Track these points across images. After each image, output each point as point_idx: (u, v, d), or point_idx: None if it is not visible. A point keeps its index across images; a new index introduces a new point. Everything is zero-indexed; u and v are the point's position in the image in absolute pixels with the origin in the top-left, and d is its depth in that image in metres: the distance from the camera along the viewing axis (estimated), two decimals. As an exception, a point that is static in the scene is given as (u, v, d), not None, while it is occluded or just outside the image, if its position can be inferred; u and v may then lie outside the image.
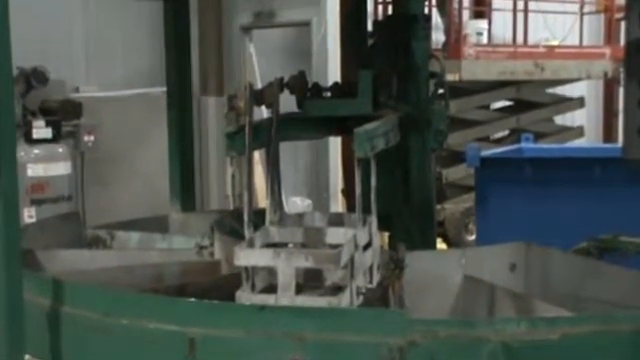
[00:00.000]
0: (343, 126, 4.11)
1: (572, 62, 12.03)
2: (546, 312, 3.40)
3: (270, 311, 3.02)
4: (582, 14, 13.01)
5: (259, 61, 11.40)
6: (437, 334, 3.00)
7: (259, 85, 11.11)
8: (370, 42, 5.03)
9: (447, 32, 11.44)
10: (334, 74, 9.41)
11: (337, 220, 3.67)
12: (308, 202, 11.32)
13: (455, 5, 11.44)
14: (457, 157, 10.55)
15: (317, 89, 4.29)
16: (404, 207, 4.79)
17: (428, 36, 4.91)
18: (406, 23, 4.84)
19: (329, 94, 4.36)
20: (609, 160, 5.16)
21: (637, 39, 3.95)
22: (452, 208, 10.92)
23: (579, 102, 12.68)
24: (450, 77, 11.01)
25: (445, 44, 11.48)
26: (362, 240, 3.39)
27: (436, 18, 11.62)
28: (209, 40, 10.36)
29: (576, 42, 12.80)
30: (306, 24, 10.79)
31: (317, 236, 3.50)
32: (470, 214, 10.25)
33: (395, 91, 4.64)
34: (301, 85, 4.13)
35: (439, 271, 4.15)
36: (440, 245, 9.90)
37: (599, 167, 5.81)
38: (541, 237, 5.08)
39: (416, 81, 4.80)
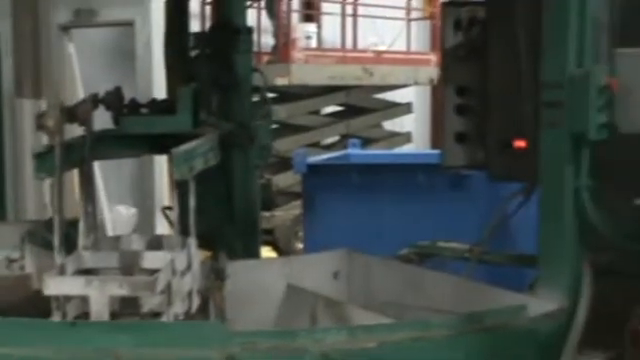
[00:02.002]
0: (162, 144, 4.08)
1: (400, 68, 12.41)
2: (367, 320, 3.50)
3: (82, 327, 2.97)
4: (409, 20, 13.45)
5: (80, 62, 11.10)
6: (257, 346, 3.04)
7: (80, 87, 10.84)
8: (193, 54, 5.00)
9: (276, 35, 11.54)
10: (160, 78, 9.23)
11: (156, 243, 3.65)
12: (133, 211, 11.12)
13: (284, 8, 11.55)
14: (286, 164, 10.64)
15: (134, 105, 4.26)
16: (227, 226, 4.81)
17: (250, 49, 4.96)
18: (228, 35, 4.87)
19: (147, 110, 4.33)
20: (432, 166, 5.33)
21: (453, 46, 4.14)
22: (282, 216, 11.01)
23: (407, 108, 13.09)
24: (280, 81, 11.13)
25: (274, 47, 11.58)
26: (180, 264, 3.39)
27: (265, 21, 11.71)
28: (24, 38, 9.98)
29: (404, 48, 13.22)
30: (129, 24, 10.61)
31: (133, 260, 3.47)
32: (300, 222, 10.36)
33: (216, 107, 4.67)
34: (117, 101, 4.09)
35: (262, 281, 4.20)
36: (270, 254, 9.96)
37: (422, 173, 6.02)
38: (368, 244, 5.23)
39: (239, 96, 4.85)
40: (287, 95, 11.64)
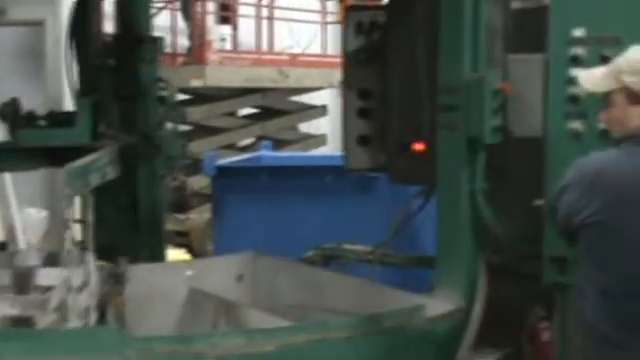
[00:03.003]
0: (61, 157, 4.00)
1: (315, 70, 12.44)
2: (267, 324, 3.49)
3: (-33, 337, 2.89)
4: (325, 23, 13.50)
5: (-11, 62, 10.83)
6: (154, 351, 3.00)
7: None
8: (97, 63, 4.89)
9: (191, 37, 11.46)
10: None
11: (53, 258, 3.57)
12: (44, 213, 10.89)
13: (199, 9, 11.48)
14: (201, 166, 10.56)
15: (31, 117, 4.19)
16: (132, 236, 4.74)
17: (156, 58, 4.88)
18: (133, 45, 4.79)
19: (45, 122, 4.26)
20: (340, 169, 5.34)
21: (354, 50, 4.16)
22: (196, 218, 10.92)
23: (322, 110, 13.13)
24: (194, 83, 11.05)
25: (189, 49, 11.50)
26: (77, 281, 3.33)
27: (180, 22, 11.62)
28: None
29: (320, 51, 13.26)
30: (39, 24, 10.39)
31: (27, 278, 3.38)
32: (214, 224, 10.27)
33: (119, 118, 4.61)
34: (13, 113, 4.02)
35: (164, 284, 4.16)
36: (184, 256, 9.86)
37: (330, 175, 6.03)
38: (278, 247, 5.21)
39: (143, 106, 4.78)
40: (202, 97, 11.57)
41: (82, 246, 3.49)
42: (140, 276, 4.00)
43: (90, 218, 3.44)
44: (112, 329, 3.31)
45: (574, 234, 2.78)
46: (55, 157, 4.17)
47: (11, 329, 3.06)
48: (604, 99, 2.85)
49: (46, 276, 3.38)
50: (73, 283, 3.28)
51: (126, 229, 4.74)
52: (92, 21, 4.91)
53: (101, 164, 3.64)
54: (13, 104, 4.01)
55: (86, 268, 3.42)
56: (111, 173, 3.76)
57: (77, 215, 3.70)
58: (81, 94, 4.59)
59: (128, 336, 3.07)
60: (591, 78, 2.88)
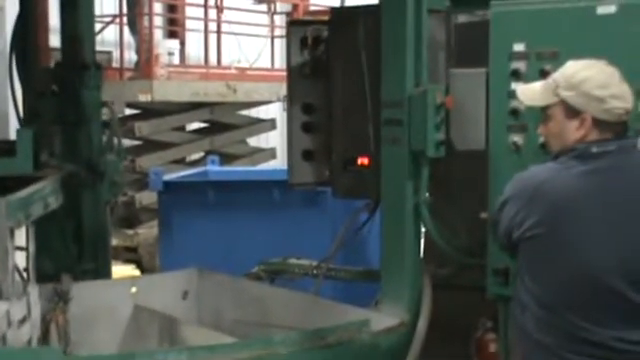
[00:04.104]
0: (3, 186, 3.93)
1: (263, 84, 12.41)
2: (210, 340, 3.46)
3: None
4: (273, 37, 13.51)
5: None
6: (95, 370, 2.96)
7: None
8: (40, 89, 4.80)
9: (138, 51, 11.38)
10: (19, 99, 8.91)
11: None
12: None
13: (146, 24, 11.40)
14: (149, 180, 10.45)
15: None
16: (77, 265, 4.67)
17: (99, 85, 4.82)
18: (76, 72, 4.73)
19: None
20: (286, 183, 5.30)
21: (298, 64, 4.16)
22: (146, 233, 10.81)
23: (270, 124, 13.12)
24: (142, 98, 10.96)
25: (136, 64, 11.42)
26: (18, 314, 3.26)
27: (127, 36, 11.54)
28: None
29: (268, 65, 13.25)
30: (-17, 39, 10.23)
31: None
32: (163, 239, 10.17)
33: (60, 146, 4.55)
34: None
35: (108, 302, 4.10)
36: (134, 272, 9.76)
37: (277, 190, 6.01)
38: (226, 262, 5.17)
39: (86, 133, 4.73)
40: (150, 111, 11.48)
41: (25, 276, 3.43)
42: (84, 294, 3.95)
43: (32, 248, 3.40)
44: (54, 349, 3.26)
45: (514, 247, 2.80)
46: None
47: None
48: (542, 113, 2.88)
49: None
50: (14, 317, 3.21)
51: (71, 256, 4.67)
52: (34, 43, 4.82)
53: (43, 194, 3.60)
54: None
55: (28, 300, 3.36)
56: (54, 203, 3.71)
57: (22, 241, 3.65)
58: (24, 120, 4.52)
59: (70, 356, 3.03)
60: (529, 93, 2.91)
